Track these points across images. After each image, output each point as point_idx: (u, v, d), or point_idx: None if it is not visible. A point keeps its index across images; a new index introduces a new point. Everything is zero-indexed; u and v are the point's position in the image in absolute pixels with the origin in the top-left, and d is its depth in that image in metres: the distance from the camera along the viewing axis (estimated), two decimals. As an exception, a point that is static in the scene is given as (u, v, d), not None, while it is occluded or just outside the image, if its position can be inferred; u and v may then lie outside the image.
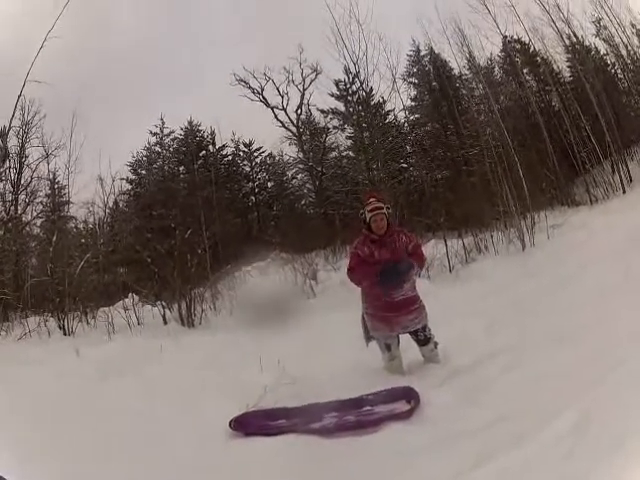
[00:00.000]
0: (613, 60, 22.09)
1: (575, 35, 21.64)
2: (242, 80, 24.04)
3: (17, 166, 21.10)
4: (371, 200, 7.85)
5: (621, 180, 18.67)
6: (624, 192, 18.20)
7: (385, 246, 7.57)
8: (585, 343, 6.14)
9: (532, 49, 22.96)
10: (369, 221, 7.71)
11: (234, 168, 25.75)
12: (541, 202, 17.61)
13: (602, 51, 22.33)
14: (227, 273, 18.76)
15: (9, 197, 20.70)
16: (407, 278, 7.57)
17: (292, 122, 25.26)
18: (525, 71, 23.48)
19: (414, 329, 7.64)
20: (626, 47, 21.24)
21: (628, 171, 19.04)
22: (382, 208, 7.71)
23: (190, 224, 19.63)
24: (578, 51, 21.81)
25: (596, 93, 20.16)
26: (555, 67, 22.52)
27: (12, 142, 20.92)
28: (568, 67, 22.57)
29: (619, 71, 22.15)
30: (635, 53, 21.06)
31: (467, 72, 23.65)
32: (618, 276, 8.46)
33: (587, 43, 22.02)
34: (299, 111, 25.25)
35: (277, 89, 24.66)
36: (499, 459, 4.29)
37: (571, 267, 10.62)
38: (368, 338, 7.88)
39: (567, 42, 21.80)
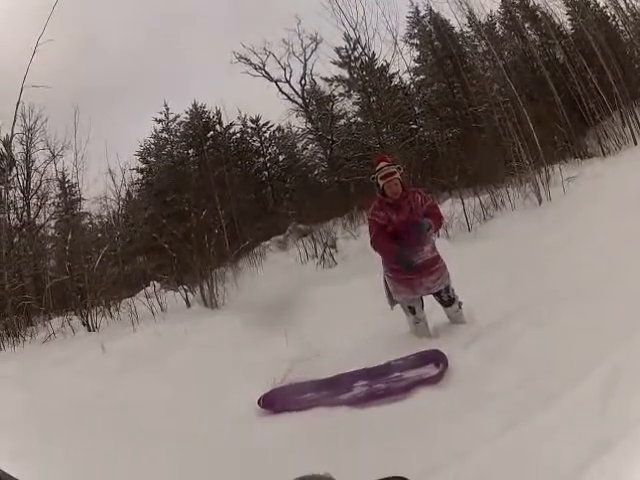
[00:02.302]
0: (613, 13, 21.90)
1: (573, -13, 21.52)
2: (242, 57, 23.92)
3: (25, 172, 21.25)
4: (382, 165, 7.78)
5: (632, 132, 18.55)
6: (635, 143, 18.13)
7: (401, 209, 7.53)
8: (610, 297, 6.09)
9: (531, 3, 22.79)
10: (383, 187, 7.71)
11: (244, 145, 25.75)
12: (554, 155, 17.54)
13: (601, 4, 22.16)
14: (246, 250, 18.81)
15: (20, 203, 20.91)
16: (424, 239, 7.57)
17: (297, 93, 25.18)
18: (527, 26, 23.26)
19: (437, 290, 7.64)
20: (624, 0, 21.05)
21: (638, 123, 18.89)
22: (395, 173, 7.67)
23: (204, 205, 19.66)
24: (577, 4, 21.61)
25: (599, 45, 19.97)
26: (556, 20, 22.35)
27: (17, 149, 21.11)
28: (569, 20, 22.42)
29: (620, 23, 21.94)
30: (634, 6, 20.87)
31: (468, 30, 23.47)
32: (638, 226, 8.42)
33: (586, -5, 21.86)
34: (303, 82, 25.15)
35: (278, 62, 24.55)
36: (531, 419, 4.26)
37: (589, 220, 10.53)
38: (392, 301, 7.88)
39: (565, -6, 21.67)
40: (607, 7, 22.00)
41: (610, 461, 3.38)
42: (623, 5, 21.13)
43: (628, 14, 21.15)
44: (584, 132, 20.34)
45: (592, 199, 12.17)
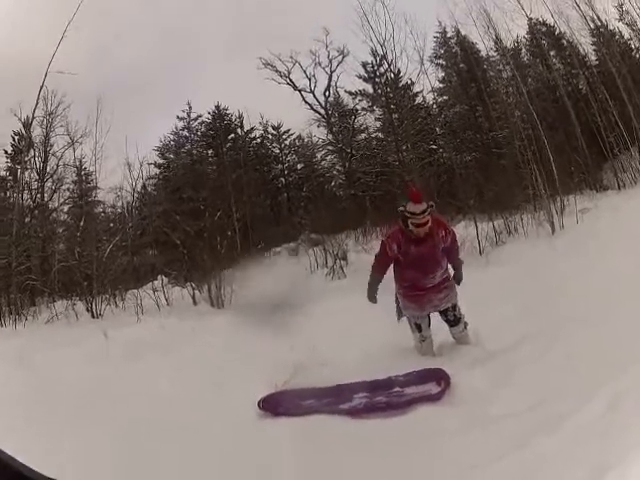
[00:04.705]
0: (637, 45, 21.82)
1: (599, 18, 21.42)
2: (269, 63, 23.96)
3: (42, 155, 21.19)
4: (418, 208, 7.57)
5: (648, 166, 18.46)
6: (652, 179, 18.03)
7: (423, 242, 7.59)
8: (618, 323, 6.17)
9: (557, 32, 22.75)
10: (411, 226, 7.64)
11: (263, 150, 25.65)
12: (570, 186, 17.55)
13: (626, 35, 22.05)
14: (257, 254, 18.82)
15: (35, 185, 20.86)
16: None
17: (320, 104, 25.15)
18: (552, 54, 23.24)
19: (444, 308, 7.74)
20: (649, 32, 21.02)
21: (656, 158, 18.78)
22: (428, 222, 7.60)
23: (220, 206, 19.71)
24: (603, 34, 21.57)
25: (622, 77, 19.94)
26: (581, 50, 22.29)
27: (36, 132, 20.99)
28: (594, 51, 22.33)
29: (643, 56, 21.87)
30: (658, 39, 20.87)
31: (494, 54, 23.43)
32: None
33: (611, 27, 21.74)
34: (327, 93, 25.14)
35: (304, 72, 24.52)
36: (534, 442, 4.33)
37: (601, 250, 10.57)
38: (400, 314, 7.97)
39: (591, 25, 21.60)
40: (632, 39, 21.98)
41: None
42: (647, 37, 21.15)
43: (652, 46, 21.17)
44: (601, 165, 20.29)
45: (605, 230, 12.19)
